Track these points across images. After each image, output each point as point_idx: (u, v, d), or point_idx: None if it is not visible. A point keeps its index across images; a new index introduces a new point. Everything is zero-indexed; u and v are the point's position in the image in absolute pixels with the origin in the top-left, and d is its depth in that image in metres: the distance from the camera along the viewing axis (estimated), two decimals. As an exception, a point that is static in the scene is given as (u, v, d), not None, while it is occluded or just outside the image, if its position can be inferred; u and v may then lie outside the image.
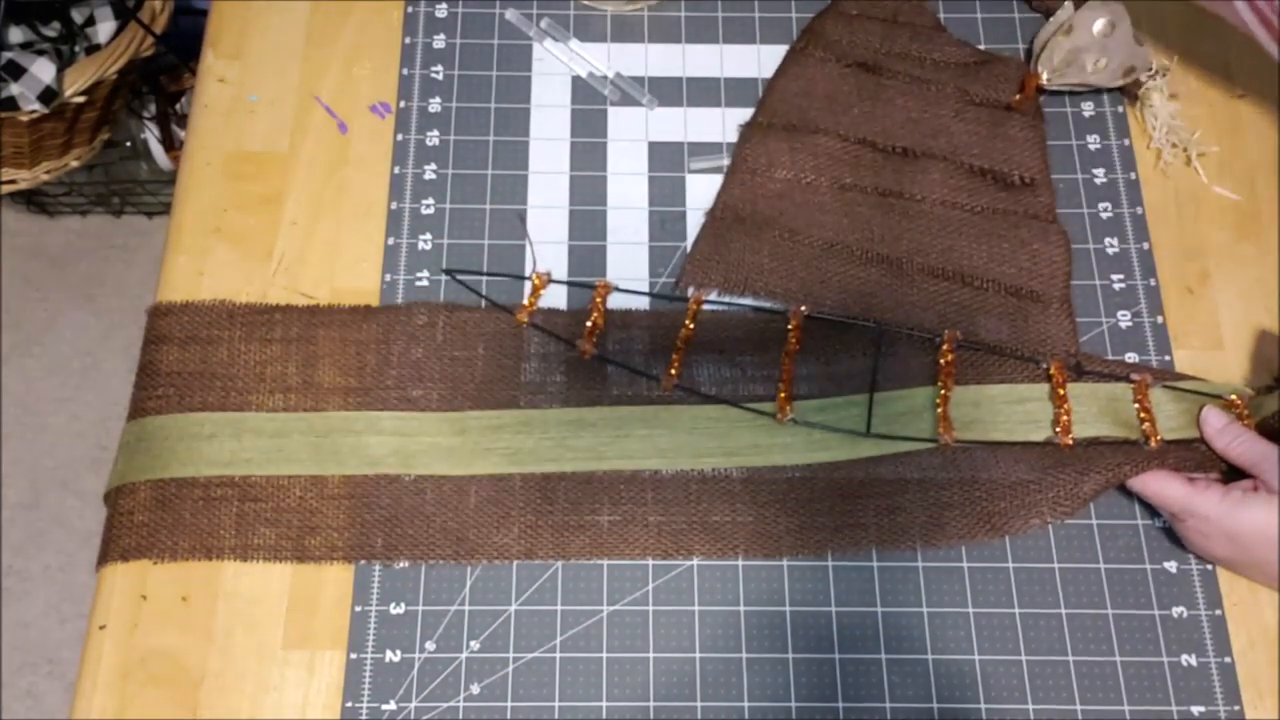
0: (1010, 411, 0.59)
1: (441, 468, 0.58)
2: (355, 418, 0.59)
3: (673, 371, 0.60)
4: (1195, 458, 0.57)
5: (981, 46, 0.70)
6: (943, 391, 0.59)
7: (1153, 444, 0.57)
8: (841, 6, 0.71)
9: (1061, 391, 0.59)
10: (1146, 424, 0.58)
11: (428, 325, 0.61)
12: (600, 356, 0.60)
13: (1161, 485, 0.55)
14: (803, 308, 0.61)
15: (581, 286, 0.63)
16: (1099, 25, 0.66)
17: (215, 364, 0.60)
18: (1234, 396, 0.58)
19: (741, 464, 0.58)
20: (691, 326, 0.61)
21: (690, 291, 0.62)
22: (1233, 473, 0.57)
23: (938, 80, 0.68)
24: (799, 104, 0.68)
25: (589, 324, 0.61)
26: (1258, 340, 0.62)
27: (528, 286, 0.62)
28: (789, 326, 0.61)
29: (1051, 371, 0.59)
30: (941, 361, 0.60)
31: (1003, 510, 0.56)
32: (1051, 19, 0.68)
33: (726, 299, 0.62)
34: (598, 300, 0.61)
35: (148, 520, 0.57)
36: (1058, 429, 0.58)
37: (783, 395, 0.59)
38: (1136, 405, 0.58)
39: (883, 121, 0.67)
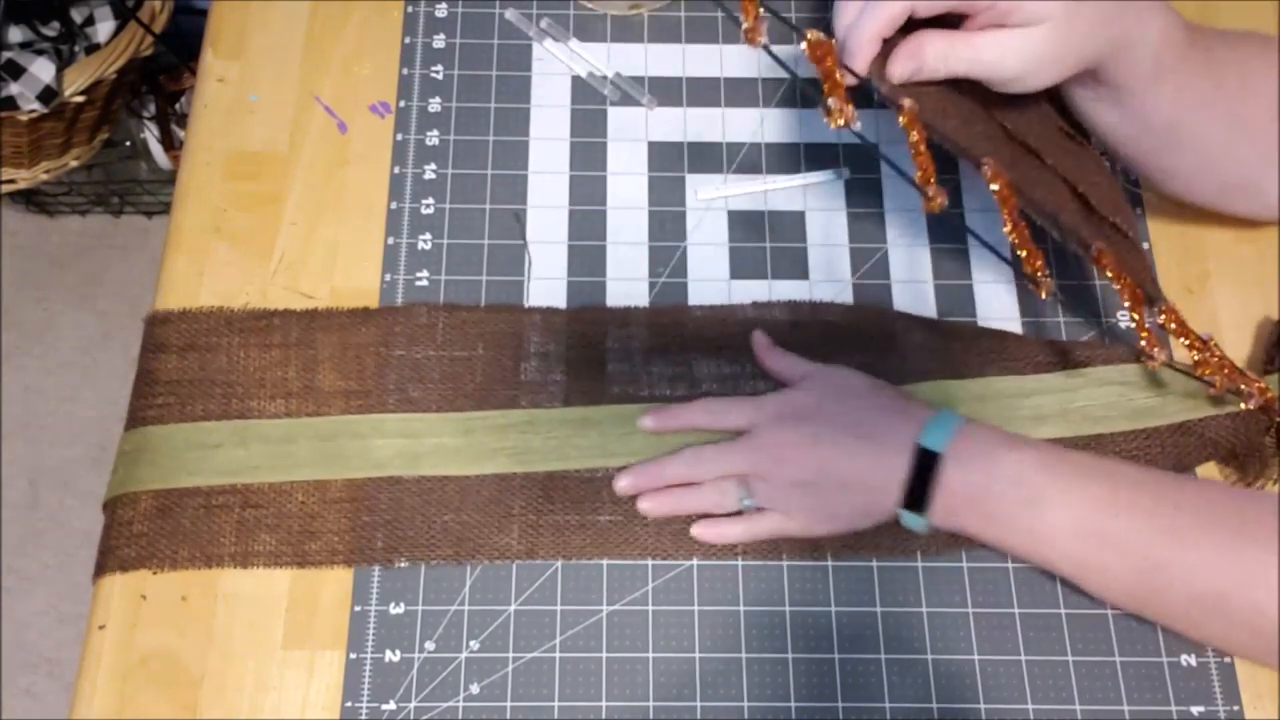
0: (1017, 405, 0.59)
1: (448, 469, 0.58)
2: (359, 421, 0.59)
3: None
4: (1194, 442, 0.57)
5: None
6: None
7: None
8: None
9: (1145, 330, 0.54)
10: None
11: (428, 326, 0.61)
12: (605, 361, 0.60)
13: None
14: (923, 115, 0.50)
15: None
16: None
17: (214, 371, 0.60)
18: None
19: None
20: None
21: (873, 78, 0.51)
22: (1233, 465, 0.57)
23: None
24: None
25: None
26: (1257, 328, 0.62)
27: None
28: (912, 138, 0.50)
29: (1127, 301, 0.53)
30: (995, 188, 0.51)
31: None
32: None
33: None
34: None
35: (147, 530, 0.56)
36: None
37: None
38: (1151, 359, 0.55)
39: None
